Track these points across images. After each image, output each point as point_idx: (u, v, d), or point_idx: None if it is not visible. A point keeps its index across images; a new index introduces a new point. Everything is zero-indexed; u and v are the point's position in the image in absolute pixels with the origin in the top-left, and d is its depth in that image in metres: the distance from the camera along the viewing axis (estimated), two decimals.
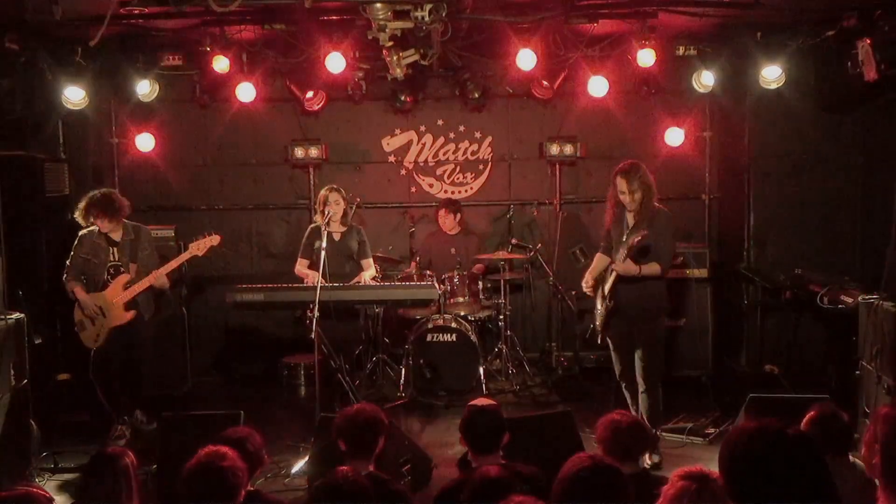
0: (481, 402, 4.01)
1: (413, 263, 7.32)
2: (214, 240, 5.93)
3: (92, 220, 5.81)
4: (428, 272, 7.20)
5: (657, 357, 5.40)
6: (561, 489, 2.60)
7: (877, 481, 2.56)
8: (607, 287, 5.35)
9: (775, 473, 2.00)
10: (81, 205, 5.84)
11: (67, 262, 5.92)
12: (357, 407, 3.99)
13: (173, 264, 5.91)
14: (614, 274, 5.27)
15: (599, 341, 5.63)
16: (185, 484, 3.07)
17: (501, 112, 8.18)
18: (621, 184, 5.26)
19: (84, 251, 5.87)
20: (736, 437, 2.11)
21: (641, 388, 5.38)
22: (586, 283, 5.56)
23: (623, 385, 5.57)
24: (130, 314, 5.84)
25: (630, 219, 5.35)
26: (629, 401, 5.53)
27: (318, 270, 5.68)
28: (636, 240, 5.06)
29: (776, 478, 2.00)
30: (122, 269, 5.84)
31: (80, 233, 5.95)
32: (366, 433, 3.75)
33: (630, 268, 5.18)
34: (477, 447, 3.75)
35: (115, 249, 5.88)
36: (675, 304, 6.79)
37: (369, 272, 6.32)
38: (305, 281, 6.10)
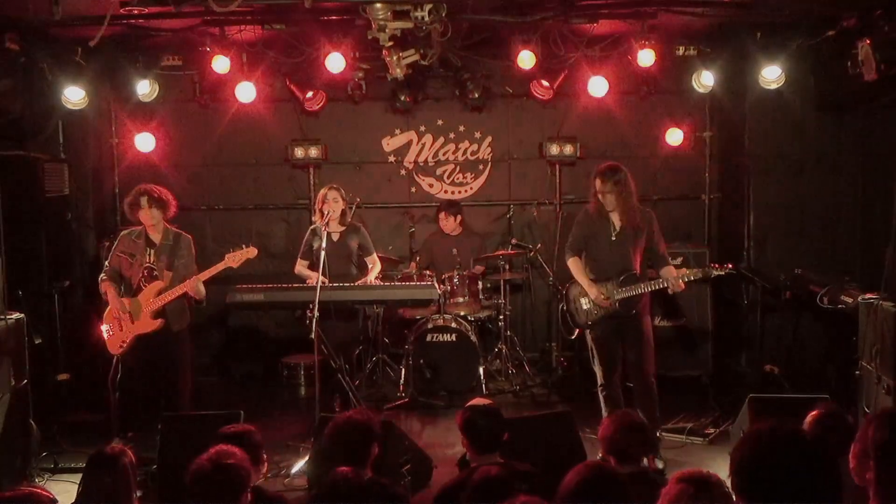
0: (479, 401, 4.00)
1: (413, 264, 7.32)
2: (251, 252, 5.65)
3: (140, 208, 5.58)
4: (428, 272, 7.20)
5: (651, 352, 5.40)
6: (564, 497, 2.61)
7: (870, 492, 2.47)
8: (617, 293, 5.32)
9: (789, 474, 2.01)
10: (128, 198, 5.66)
11: (106, 263, 5.78)
12: (346, 415, 3.78)
13: (206, 274, 5.58)
14: (641, 284, 5.27)
15: (573, 336, 5.69)
16: (192, 482, 3.04)
17: (501, 112, 8.18)
18: (598, 184, 5.36)
19: (121, 248, 5.68)
20: (751, 438, 2.11)
21: (640, 385, 5.37)
22: (601, 298, 5.37)
23: (611, 389, 5.44)
24: (157, 323, 5.57)
25: (616, 220, 5.38)
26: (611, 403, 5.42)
27: (317, 271, 5.67)
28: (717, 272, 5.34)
29: (790, 479, 2.01)
30: (156, 275, 5.60)
31: (121, 232, 5.81)
32: (356, 443, 3.59)
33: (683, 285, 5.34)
34: (479, 447, 3.74)
35: (153, 251, 5.65)
36: (675, 304, 6.81)
37: (374, 272, 6.29)
38: (308, 282, 6.03)
